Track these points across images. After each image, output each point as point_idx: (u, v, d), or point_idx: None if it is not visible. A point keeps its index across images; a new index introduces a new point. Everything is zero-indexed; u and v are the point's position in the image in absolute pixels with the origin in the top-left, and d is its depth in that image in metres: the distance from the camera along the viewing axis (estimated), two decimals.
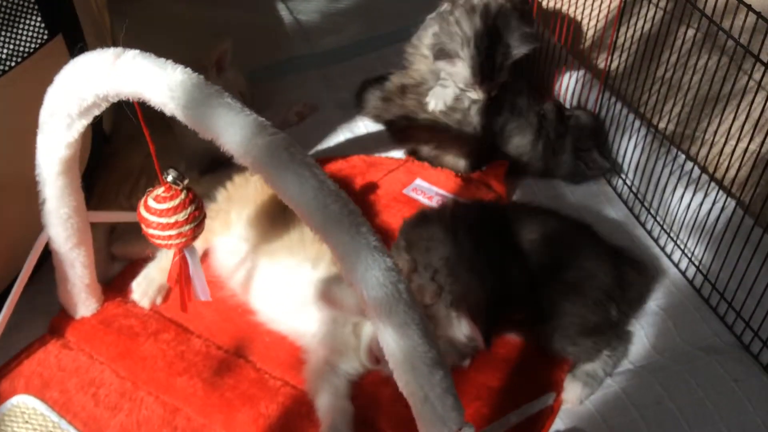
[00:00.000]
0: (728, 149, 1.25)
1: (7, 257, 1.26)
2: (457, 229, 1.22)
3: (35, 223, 1.16)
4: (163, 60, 0.90)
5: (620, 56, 1.55)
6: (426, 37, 1.60)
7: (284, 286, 1.26)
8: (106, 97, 0.95)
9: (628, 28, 1.51)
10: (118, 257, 1.42)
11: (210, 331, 1.30)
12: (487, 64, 1.48)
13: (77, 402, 1.19)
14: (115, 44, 1.90)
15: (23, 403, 1.18)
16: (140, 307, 1.33)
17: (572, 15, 1.74)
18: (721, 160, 1.30)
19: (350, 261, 0.85)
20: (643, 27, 1.45)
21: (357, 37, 2.02)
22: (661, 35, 1.38)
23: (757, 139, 1.17)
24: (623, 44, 1.52)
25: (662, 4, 1.41)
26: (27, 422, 1.16)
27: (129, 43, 1.96)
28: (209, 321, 1.31)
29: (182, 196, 1.02)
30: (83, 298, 1.28)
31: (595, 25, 1.70)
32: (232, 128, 0.85)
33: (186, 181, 1.04)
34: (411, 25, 1.79)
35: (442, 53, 1.50)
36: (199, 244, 1.36)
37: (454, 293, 1.15)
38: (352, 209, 0.86)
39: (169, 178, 1.02)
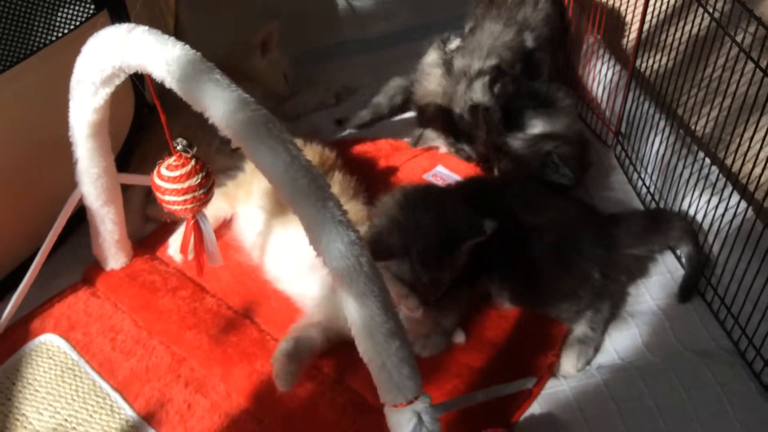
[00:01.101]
0: (758, 154, 1.20)
1: (55, 212, 1.38)
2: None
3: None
4: (165, 36, 0.98)
5: (664, 56, 1.53)
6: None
7: (293, 251, 1.34)
8: (121, 69, 1.06)
9: (674, 30, 1.46)
10: (152, 218, 1.54)
11: (224, 292, 1.40)
12: None
13: (97, 344, 1.31)
14: (177, 21, 2.04)
15: (50, 341, 1.32)
16: (165, 265, 1.45)
17: (608, 7, 1.72)
18: (747, 166, 1.26)
19: (316, 232, 0.92)
20: (685, 31, 1.41)
21: (407, 25, 2.07)
22: (709, 39, 1.32)
23: None
24: (670, 44, 1.48)
25: (716, 6, 1.36)
26: (50, 358, 1.29)
27: (192, 21, 2.09)
28: (224, 283, 1.41)
29: (192, 163, 1.12)
30: (113, 253, 1.41)
31: (623, 19, 1.68)
32: (217, 102, 0.93)
33: (194, 150, 1.13)
34: (460, 15, 1.84)
35: None
36: (224, 210, 1.47)
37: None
38: (321, 184, 0.93)
39: (179, 147, 1.12)
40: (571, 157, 1.52)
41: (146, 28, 1.01)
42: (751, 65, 1.15)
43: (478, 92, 1.53)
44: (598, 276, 1.28)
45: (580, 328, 1.28)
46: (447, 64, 1.62)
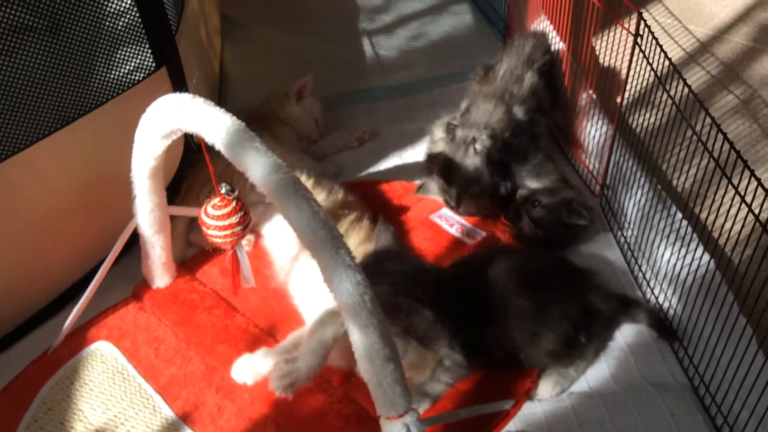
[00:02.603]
0: (729, 212, 1.30)
1: (112, 234, 1.60)
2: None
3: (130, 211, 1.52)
4: (218, 108, 1.21)
5: (655, 115, 1.69)
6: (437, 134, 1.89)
7: (314, 279, 1.53)
8: (179, 129, 1.29)
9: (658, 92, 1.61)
10: (194, 244, 1.78)
11: (252, 312, 1.62)
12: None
13: (143, 353, 1.54)
14: (222, 67, 2.28)
15: (103, 347, 1.56)
16: (203, 286, 1.68)
17: (599, 70, 1.90)
18: (719, 221, 1.41)
19: (329, 273, 1.14)
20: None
21: (427, 74, 2.29)
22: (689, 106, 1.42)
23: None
24: (659, 104, 1.62)
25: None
26: (103, 362, 1.53)
27: (234, 66, 2.33)
28: (253, 304, 1.64)
29: (233, 204, 1.35)
30: (160, 273, 1.64)
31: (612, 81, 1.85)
32: (256, 165, 1.15)
33: (236, 192, 1.36)
34: (472, 67, 2.05)
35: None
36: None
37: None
38: (336, 235, 1.14)
39: (223, 191, 1.34)
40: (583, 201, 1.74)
41: (203, 99, 1.23)
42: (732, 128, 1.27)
43: (472, 156, 1.75)
44: (584, 339, 1.46)
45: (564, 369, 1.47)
46: (451, 134, 1.82)
